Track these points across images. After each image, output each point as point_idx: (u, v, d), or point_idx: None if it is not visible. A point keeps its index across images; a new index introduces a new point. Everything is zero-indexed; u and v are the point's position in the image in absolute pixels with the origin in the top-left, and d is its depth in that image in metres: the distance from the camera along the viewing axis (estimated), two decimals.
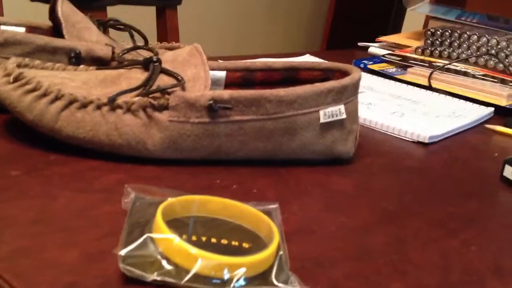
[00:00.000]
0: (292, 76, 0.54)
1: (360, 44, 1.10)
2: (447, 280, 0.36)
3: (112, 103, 0.43)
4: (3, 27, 0.55)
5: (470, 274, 0.37)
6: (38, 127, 0.43)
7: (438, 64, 0.88)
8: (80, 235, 0.33)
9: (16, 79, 0.43)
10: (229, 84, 0.53)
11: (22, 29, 0.55)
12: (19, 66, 0.46)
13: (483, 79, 0.84)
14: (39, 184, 0.39)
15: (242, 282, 0.31)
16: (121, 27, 0.56)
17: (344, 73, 0.52)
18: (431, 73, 0.84)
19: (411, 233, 0.41)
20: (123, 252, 0.30)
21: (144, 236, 0.32)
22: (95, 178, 0.41)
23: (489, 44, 0.90)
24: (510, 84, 0.83)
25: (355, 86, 0.50)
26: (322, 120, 0.48)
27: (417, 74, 0.87)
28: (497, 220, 0.46)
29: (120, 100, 0.44)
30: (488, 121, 0.74)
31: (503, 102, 0.78)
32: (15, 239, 0.32)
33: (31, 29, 0.56)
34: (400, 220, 0.43)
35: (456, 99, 0.78)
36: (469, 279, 0.37)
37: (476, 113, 0.73)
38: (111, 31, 0.62)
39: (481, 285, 0.36)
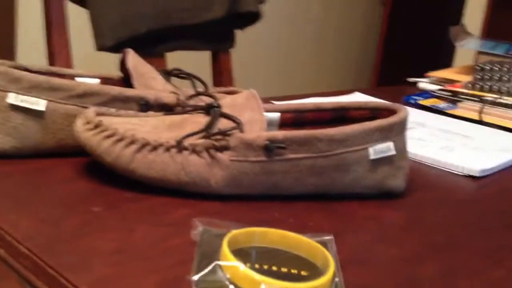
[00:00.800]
0: (341, 115, 0.57)
1: (409, 79, 1.12)
2: None
3: (179, 146, 0.48)
4: (79, 79, 0.61)
5: None
6: (115, 168, 0.48)
7: (488, 98, 0.89)
8: (157, 263, 0.38)
9: (96, 126, 0.49)
10: (282, 124, 0.57)
11: (96, 80, 0.62)
12: (97, 114, 0.51)
13: None
14: (118, 218, 0.43)
15: None
16: (183, 75, 0.61)
17: (391, 112, 0.56)
18: (481, 108, 0.86)
19: (459, 264, 0.43)
20: (196, 277, 0.34)
21: (213, 264, 0.35)
22: (166, 212, 0.45)
23: None
24: None
25: (402, 124, 0.54)
26: (371, 157, 0.51)
27: (468, 108, 0.88)
28: None
29: (186, 142, 0.48)
30: None
31: None
32: (100, 267, 0.37)
33: (104, 80, 0.62)
34: (449, 252, 0.45)
35: (507, 133, 0.79)
36: None
37: None
38: (174, 78, 0.68)
39: None
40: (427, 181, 0.61)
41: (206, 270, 0.35)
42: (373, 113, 0.57)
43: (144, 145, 0.48)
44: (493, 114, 0.85)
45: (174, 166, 0.48)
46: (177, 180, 0.48)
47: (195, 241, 0.40)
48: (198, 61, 1.50)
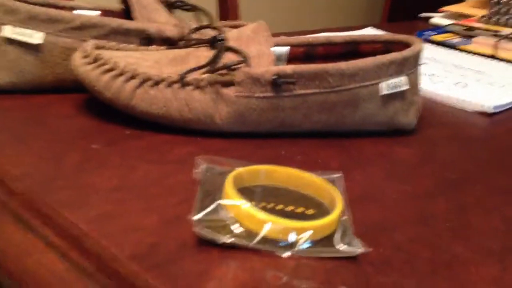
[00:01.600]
0: (353, 50, 0.55)
1: (421, 15, 1.08)
2: (510, 244, 0.37)
3: (182, 81, 0.46)
4: (78, 11, 0.58)
5: None
6: (115, 104, 0.46)
7: (504, 32, 0.86)
8: (158, 201, 0.36)
9: (95, 60, 0.47)
10: (291, 59, 0.54)
11: (96, 13, 0.59)
12: (96, 48, 0.49)
13: None
14: (118, 156, 0.42)
15: (307, 245, 0.33)
16: (187, 7, 0.58)
17: (405, 45, 0.53)
18: (496, 42, 0.83)
19: (473, 200, 0.42)
20: (197, 217, 0.33)
21: (216, 203, 0.34)
22: (168, 150, 0.44)
23: None
24: None
25: (416, 58, 0.51)
26: (383, 92, 0.49)
27: (482, 43, 0.85)
28: None
29: (190, 77, 0.46)
30: None
31: None
32: (100, 204, 0.35)
33: (104, 12, 0.59)
34: (462, 188, 0.44)
35: None
36: None
37: None
38: (177, 11, 0.65)
39: None
40: (439, 118, 0.59)
41: (208, 209, 0.34)
42: (386, 46, 0.54)
43: (145, 80, 0.46)
44: (508, 49, 0.82)
45: (177, 102, 0.46)
46: (180, 116, 0.46)
47: (197, 180, 0.38)
48: None
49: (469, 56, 0.81)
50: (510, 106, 0.64)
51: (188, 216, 0.34)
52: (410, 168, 0.46)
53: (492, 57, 0.81)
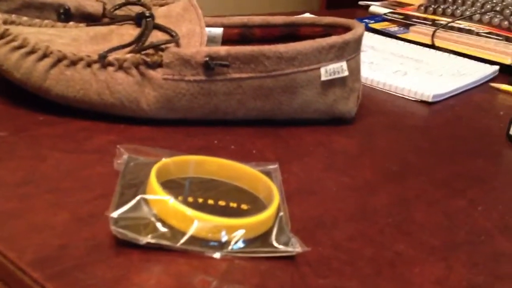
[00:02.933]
0: (292, 33, 0.51)
1: (360, 2, 1.07)
2: (453, 240, 0.35)
3: (103, 60, 0.41)
4: None
5: (476, 233, 0.36)
6: (26, 86, 0.41)
7: (441, 22, 0.85)
8: (71, 196, 0.32)
9: (1, 36, 0.41)
10: (226, 41, 0.50)
11: None
12: (5, 23, 0.43)
13: (487, 37, 0.81)
14: (28, 145, 0.37)
15: (240, 244, 0.29)
16: None
17: (346, 29, 0.50)
18: (434, 32, 0.82)
19: (415, 194, 0.40)
20: (115, 214, 0.29)
21: (138, 198, 0.30)
22: (86, 139, 0.39)
23: (494, 1, 0.87)
24: None
25: (357, 42, 0.48)
26: (323, 78, 0.46)
27: (420, 32, 0.84)
28: (503, 179, 0.45)
29: (112, 57, 0.42)
30: (492, 79, 0.71)
31: (508, 60, 0.76)
32: (2, 201, 0.31)
33: None
34: (403, 180, 0.42)
35: (460, 58, 0.76)
36: (475, 239, 0.35)
37: (481, 71, 0.71)
38: None
39: (489, 244, 0.35)
40: (378, 107, 0.57)
41: (128, 205, 0.29)
42: (326, 30, 0.51)
43: (61, 59, 0.41)
44: (445, 39, 0.82)
45: (96, 85, 0.41)
46: (100, 101, 0.41)
47: (118, 172, 0.34)
48: None
49: (408, 44, 0.80)
50: (448, 95, 0.63)
51: (105, 213, 0.29)
52: (350, 159, 0.44)
53: (430, 46, 0.81)
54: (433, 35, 0.82)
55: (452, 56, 0.76)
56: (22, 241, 0.27)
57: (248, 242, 0.30)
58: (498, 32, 0.83)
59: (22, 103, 0.42)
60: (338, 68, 0.47)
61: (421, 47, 0.79)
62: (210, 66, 0.42)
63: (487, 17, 0.87)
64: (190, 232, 0.29)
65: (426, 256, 0.33)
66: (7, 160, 0.35)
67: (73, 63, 0.41)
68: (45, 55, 0.40)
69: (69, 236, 0.28)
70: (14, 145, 0.37)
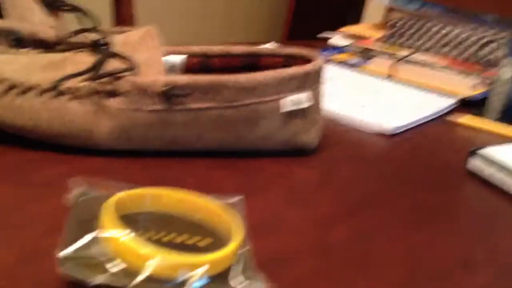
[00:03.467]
0: (253, 63, 0.51)
1: (319, 35, 1.08)
2: (414, 276, 0.34)
3: (56, 89, 0.39)
4: None
5: (438, 268, 0.35)
6: None
7: (400, 54, 0.87)
8: (15, 233, 0.30)
9: None
10: (186, 71, 0.49)
11: None
12: None
13: (446, 70, 0.83)
14: None
15: (201, 282, 0.28)
16: (67, 8, 0.52)
17: (307, 60, 0.50)
18: (393, 64, 0.83)
19: (375, 227, 0.39)
20: (63, 253, 0.27)
21: (89, 235, 0.28)
22: (35, 170, 0.37)
23: (451, 35, 0.89)
24: (474, 74, 0.82)
25: (318, 73, 0.48)
26: (284, 109, 0.45)
27: (380, 65, 0.85)
28: (463, 212, 0.44)
29: (65, 85, 0.40)
30: (451, 112, 0.72)
31: (468, 93, 0.77)
32: None
33: None
34: (364, 213, 0.41)
35: (419, 90, 0.77)
36: (436, 274, 0.35)
37: (439, 104, 0.72)
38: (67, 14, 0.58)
39: (449, 280, 0.34)
40: (339, 138, 0.56)
41: (78, 243, 0.27)
42: (287, 61, 0.51)
43: (11, 87, 0.39)
44: (405, 71, 0.83)
45: (47, 114, 0.39)
46: (51, 131, 0.39)
47: (69, 206, 0.32)
48: (96, 4, 1.36)
49: (368, 76, 0.81)
50: (407, 127, 0.63)
51: (54, 251, 0.27)
52: (310, 191, 0.43)
53: (389, 78, 0.82)
54: (392, 67, 0.83)
55: (410, 88, 0.77)
56: None
57: (209, 280, 0.28)
58: (455, 67, 0.85)
59: None
60: (299, 99, 0.46)
61: (381, 79, 0.80)
62: (168, 95, 0.41)
63: (445, 50, 0.89)
64: (147, 270, 0.27)
65: None
66: None
67: (24, 91, 0.39)
68: None
69: (12, 276, 0.26)
70: None
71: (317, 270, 0.32)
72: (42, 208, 0.32)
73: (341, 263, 0.34)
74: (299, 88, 0.46)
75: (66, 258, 0.27)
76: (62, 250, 0.27)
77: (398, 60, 0.84)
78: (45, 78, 0.40)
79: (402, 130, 0.62)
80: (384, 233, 0.38)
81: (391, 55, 0.87)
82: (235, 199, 0.36)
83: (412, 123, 0.64)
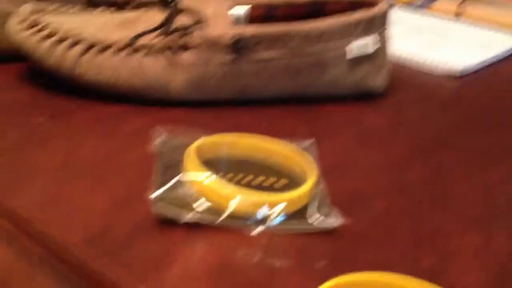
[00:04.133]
0: (317, 10, 0.51)
1: None
2: (492, 211, 0.35)
3: (131, 46, 0.41)
4: None
5: None
6: (57, 73, 0.42)
7: None
8: (110, 180, 0.32)
9: (32, 25, 0.42)
10: (250, 21, 0.50)
11: None
12: (34, 12, 0.44)
13: None
14: (63, 130, 0.38)
15: (280, 219, 0.29)
16: None
17: (371, 5, 0.49)
18: (460, 4, 0.81)
19: (450, 166, 0.40)
20: (155, 194, 0.29)
21: (177, 177, 0.30)
22: (120, 123, 0.39)
23: None
24: None
25: (383, 17, 0.48)
26: (351, 54, 0.46)
27: (447, 4, 0.83)
28: None
29: (140, 42, 0.42)
30: None
31: None
32: (45, 185, 0.31)
33: None
34: (437, 153, 0.41)
35: (488, 29, 0.74)
36: None
37: (510, 42, 0.70)
38: None
39: None
40: (407, 81, 0.56)
41: (168, 185, 0.30)
42: (351, 6, 0.50)
43: (91, 45, 0.41)
44: (471, 11, 0.80)
45: (126, 70, 0.41)
46: (131, 86, 0.42)
47: (154, 154, 0.34)
48: None
49: (435, 17, 0.79)
50: (476, 68, 0.62)
51: (145, 194, 0.30)
52: (381, 134, 0.44)
53: (457, 18, 0.79)
54: (458, 7, 0.80)
55: (478, 28, 0.75)
56: (69, 222, 0.28)
57: (288, 217, 0.30)
58: None
59: (55, 90, 0.43)
60: (365, 44, 0.46)
61: (447, 20, 0.78)
62: (238, 47, 0.42)
63: None
64: (230, 208, 0.29)
65: (465, 228, 0.33)
66: (45, 146, 0.35)
67: (103, 49, 0.41)
68: (75, 43, 0.41)
69: (112, 217, 0.29)
70: (50, 131, 0.37)
71: (392, 208, 0.34)
72: (131, 156, 0.35)
73: (418, 200, 0.35)
74: (365, 33, 0.46)
75: (158, 199, 0.29)
76: (154, 191, 0.29)
77: (465, 0, 0.81)
78: (121, 36, 0.42)
79: (471, 70, 0.61)
80: (459, 172, 0.39)
81: None
82: (307, 142, 0.37)
83: (482, 63, 0.62)
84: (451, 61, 0.59)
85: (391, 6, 0.48)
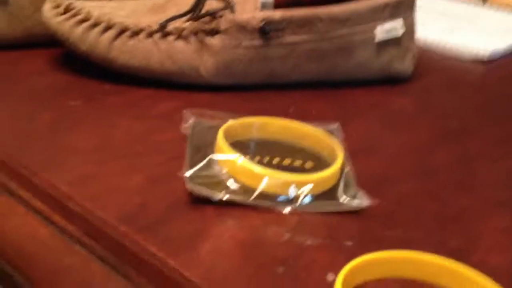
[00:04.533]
0: None
1: None
2: None
3: (163, 30, 0.42)
4: None
5: None
6: (91, 58, 0.43)
7: None
8: (143, 160, 0.34)
9: (66, 10, 0.43)
10: (276, 6, 0.51)
11: None
12: None
13: None
14: (98, 113, 0.39)
15: (308, 199, 0.30)
16: None
17: None
18: None
19: (475, 152, 0.40)
20: (189, 173, 0.30)
21: (208, 158, 0.31)
22: (152, 105, 0.41)
23: None
24: None
25: (411, 1, 0.48)
26: (378, 38, 0.46)
27: None
28: None
29: (171, 26, 0.43)
30: None
31: None
32: (80, 165, 0.32)
33: None
34: (463, 139, 0.42)
35: None
36: None
37: None
38: None
39: None
40: (433, 66, 0.56)
41: (200, 165, 0.31)
42: None
43: (123, 30, 0.42)
44: None
45: (158, 54, 0.42)
46: (162, 69, 0.43)
47: (185, 135, 0.35)
48: None
49: (460, 3, 0.78)
50: (503, 53, 0.61)
51: (178, 173, 0.31)
52: (407, 118, 0.44)
53: (485, 2, 0.79)
54: None
55: (505, 13, 0.74)
56: (104, 200, 0.29)
57: (316, 197, 0.31)
58: None
59: (89, 74, 0.44)
60: (393, 27, 0.46)
61: (473, 4, 0.78)
62: (266, 31, 0.43)
63: None
64: (260, 188, 0.30)
65: (491, 210, 0.33)
66: (81, 127, 0.37)
67: (135, 33, 0.42)
68: (108, 27, 0.42)
69: (147, 195, 0.30)
70: (84, 113, 0.39)
71: (418, 189, 0.34)
72: (163, 138, 0.36)
73: (443, 184, 0.35)
74: (393, 16, 0.46)
75: (191, 177, 0.30)
76: (187, 171, 0.30)
77: None
78: (152, 20, 0.43)
79: (498, 56, 0.60)
80: (484, 157, 0.39)
81: None
82: (334, 125, 0.38)
83: (509, 48, 0.62)
84: (478, 46, 0.59)
85: None
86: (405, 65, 0.49)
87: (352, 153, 0.36)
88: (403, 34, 0.48)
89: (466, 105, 0.48)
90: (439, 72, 0.55)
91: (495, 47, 0.60)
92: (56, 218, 0.29)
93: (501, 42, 0.62)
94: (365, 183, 0.34)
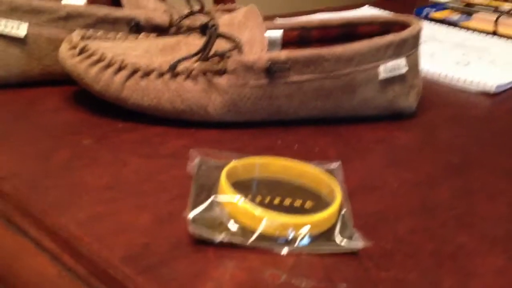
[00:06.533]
0: (350, 32, 0.53)
1: None
2: None
3: (173, 70, 0.44)
4: (64, 1, 0.57)
5: None
6: (105, 97, 0.45)
7: (504, 8, 0.84)
8: (151, 199, 0.35)
9: (81, 51, 0.45)
10: (285, 43, 0.53)
11: (82, 1, 0.57)
12: (83, 38, 0.47)
13: None
14: (109, 151, 0.41)
15: (306, 240, 0.32)
16: None
17: (404, 26, 0.51)
18: (497, 18, 0.81)
19: (477, 186, 0.41)
20: (191, 215, 0.32)
21: (211, 199, 0.33)
22: (161, 143, 0.42)
23: None
24: None
25: (415, 38, 0.49)
26: (382, 76, 0.47)
27: (483, 20, 0.83)
28: None
29: (181, 66, 0.45)
30: None
31: None
32: (91, 204, 0.34)
33: (91, 0, 0.58)
34: (465, 173, 0.43)
35: None
36: None
37: None
38: None
39: None
40: (439, 99, 0.57)
41: (203, 206, 0.32)
42: (383, 28, 0.52)
43: (135, 71, 0.44)
44: (509, 25, 0.80)
45: (168, 93, 0.44)
46: (172, 108, 0.45)
47: (191, 174, 0.37)
48: None
49: (470, 33, 0.79)
50: (510, 85, 0.62)
51: (182, 213, 0.32)
52: (411, 154, 0.45)
53: (493, 33, 0.79)
54: (496, 22, 0.80)
55: None
56: (111, 240, 0.31)
57: (313, 238, 0.32)
58: None
59: (102, 112, 0.46)
60: (396, 66, 0.48)
61: (484, 35, 0.78)
62: (272, 70, 0.44)
63: None
64: (259, 230, 0.31)
65: (488, 248, 0.34)
66: (93, 166, 0.38)
67: (146, 74, 0.44)
68: (121, 68, 0.44)
69: (152, 235, 0.32)
70: (97, 151, 0.40)
71: (417, 227, 0.35)
72: (170, 176, 0.38)
73: (442, 221, 0.36)
74: (397, 55, 0.48)
75: (194, 219, 0.31)
76: (190, 212, 0.32)
77: (502, 14, 0.81)
78: (163, 60, 0.45)
79: (506, 88, 0.61)
80: (485, 191, 0.40)
81: (495, 9, 0.85)
82: (335, 164, 0.39)
83: None
84: (486, 78, 0.60)
85: (423, 25, 0.50)
86: (409, 102, 0.50)
87: (352, 191, 0.37)
88: (407, 71, 0.49)
89: (470, 139, 0.49)
90: (445, 106, 0.56)
91: (502, 79, 0.61)
92: (65, 257, 0.31)
93: (509, 74, 0.63)
94: (363, 222, 0.35)
